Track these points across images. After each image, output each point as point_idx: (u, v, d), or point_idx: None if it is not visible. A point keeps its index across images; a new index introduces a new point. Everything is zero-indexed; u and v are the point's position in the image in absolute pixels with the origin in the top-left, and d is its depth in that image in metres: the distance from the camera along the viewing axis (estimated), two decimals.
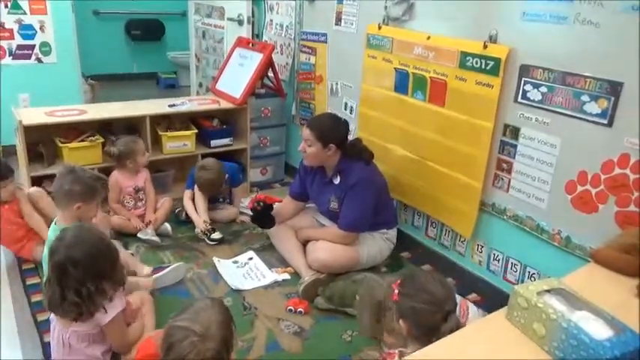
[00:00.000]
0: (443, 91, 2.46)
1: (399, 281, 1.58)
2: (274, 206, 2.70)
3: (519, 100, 2.16)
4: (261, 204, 2.63)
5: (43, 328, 2.10)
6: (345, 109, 3.22)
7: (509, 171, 2.27)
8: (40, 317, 2.18)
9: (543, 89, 2.06)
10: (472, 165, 2.38)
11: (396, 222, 2.74)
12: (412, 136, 2.68)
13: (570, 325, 1.08)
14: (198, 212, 2.96)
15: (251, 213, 2.74)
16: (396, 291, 1.55)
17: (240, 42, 3.73)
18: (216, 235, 2.85)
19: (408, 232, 2.91)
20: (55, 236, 1.81)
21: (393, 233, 2.70)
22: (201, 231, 2.88)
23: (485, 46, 2.22)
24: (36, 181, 2.93)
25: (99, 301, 1.69)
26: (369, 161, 2.57)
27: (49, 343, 1.98)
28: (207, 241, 2.85)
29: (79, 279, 1.64)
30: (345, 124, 2.58)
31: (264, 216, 2.67)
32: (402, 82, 2.68)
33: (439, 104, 2.49)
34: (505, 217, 2.32)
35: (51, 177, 2.99)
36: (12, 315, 2.22)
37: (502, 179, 2.30)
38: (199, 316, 1.41)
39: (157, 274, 2.41)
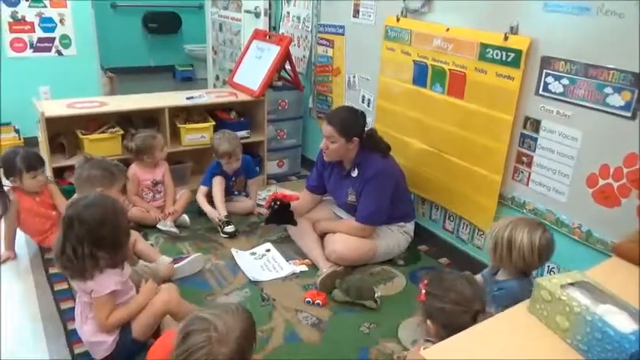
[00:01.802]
0: (462, 84, 2.44)
1: (425, 281, 1.58)
2: (291, 204, 2.68)
3: (540, 92, 2.14)
4: (278, 202, 2.62)
5: (66, 316, 2.15)
6: (363, 102, 3.22)
7: (529, 164, 2.25)
8: (64, 306, 2.22)
9: (565, 81, 2.04)
10: (491, 158, 2.37)
11: (413, 215, 2.74)
12: (430, 129, 2.67)
13: (595, 318, 1.07)
14: (215, 204, 2.98)
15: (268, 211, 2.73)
16: (423, 291, 1.55)
17: (258, 34, 3.74)
18: (229, 229, 2.85)
19: (425, 225, 2.90)
20: None
21: (410, 226, 2.70)
22: (215, 222, 2.90)
23: (505, 38, 2.20)
24: (57, 173, 2.98)
25: (89, 267, 1.73)
26: (386, 153, 2.57)
27: (72, 330, 2.03)
28: (220, 234, 2.87)
29: (80, 237, 1.71)
30: (363, 115, 2.58)
31: (280, 215, 2.67)
32: (421, 75, 2.67)
33: (458, 97, 2.48)
34: (524, 210, 2.30)
35: (72, 168, 3.05)
36: (36, 303, 2.26)
37: (522, 172, 2.29)
38: (226, 316, 1.40)
39: (176, 265, 2.44)
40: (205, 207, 2.99)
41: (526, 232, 1.74)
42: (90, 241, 1.71)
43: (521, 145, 2.26)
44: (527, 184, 2.27)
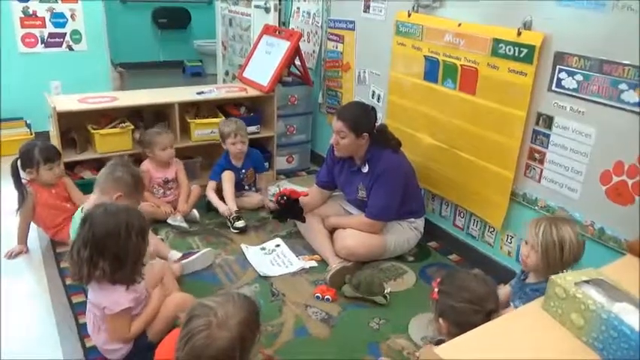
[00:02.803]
0: (474, 79, 2.42)
1: (438, 279, 1.57)
2: (300, 199, 2.67)
3: (554, 88, 2.12)
4: (285, 198, 2.62)
5: (77, 309, 2.16)
6: (373, 98, 3.21)
7: (541, 161, 2.23)
8: (75, 299, 2.24)
9: (579, 77, 2.02)
10: (503, 154, 2.35)
11: (424, 211, 2.73)
12: (441, 124, 2.65)
13: (611, 316, 1.06)
14: (225, 199, 2.98)
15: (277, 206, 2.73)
16: (436, 289, 1.54)
17: (267, 30, 3.73)
18: (240, 224, 2.85)
19: (435, 221, 2.89)
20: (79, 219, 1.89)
21: (420, 222, 2.69)
22: (226, 217, 2.90)
23: (519, 33, 2.18)
24: (68, 167, 2.99)
25: (85, 272, 1.70)
26: (397, 149, 2.57)
27: (83, 324, 2.04)
28: (231, 229, 2.87)
29: (85, 240, 1.70)
30: (374, 110, 2.57)
31: (289, 210, 2.67)
32: (432, 70, 2.65)
33: (470, 92, 2.46)
34: (536, 207, 2.28)
35: (83, 163, 3.08)
36: (48, 297, 2.28)
37: (534, 169, 2.27)
38: (228, 304, 1.41)
39: (186, 260, 2.45)
40: (216, 202, 3.00)
41: (569, 228, 1.70)
42: (93, 247, 1.70)
43: (534, 141, 2.24)
44: (539, 181, 2.26)
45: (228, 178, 3.03)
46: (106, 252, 1.70)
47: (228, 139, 3.03)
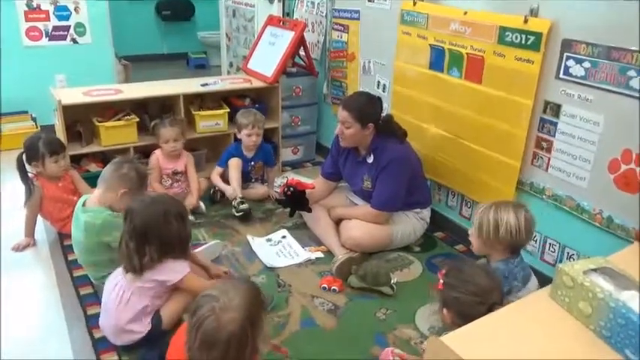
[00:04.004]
0: (480, 68, 2.40)
1: (443, 271, 1.58)
2: (306, 191, 2.67)
3: (561, 76, 2.09)
4: (292, 189, 2.62)
5: (85, 301, 2.18)
6: (378, 88, 3.19)
7: (548, 149, 2.21)
8: (83, 291, 2.25)
9: (586, 64, 1.99)
10: (510, 143, 2.33)
11: (430, 201, 2.72)
12: (447, 114, 2.64)
13: (618, 304, 1.06)
14: (231, 185, 2.98)
15: (282, 197, 2.74)
16: (441, 280, 1.55)
17: (271, 20, 3.71)
18: (244, 207, 2.85)
19: (442, 211, 2.88)
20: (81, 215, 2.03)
21: (427, 213, 2.68)
22: (232, 204, 2.90)
23: (525, 21, 2.15)
24: (75, 160, 3.00)
25: (136, 261, 1.80)
26: (402, 139, 2.55)
27: (91, 316, 2.06)
28: (235, 213, 2.86)
29: (129, 233, 1.82)
30: (379, 100, 2.55)
31: (295, 201, 2.67)
32: (438, 59, 2.63)
33: (476, 81, 2.44)
34: (544, 196, 2.27)
35: (88, 156, 3.09)
36: (56, 289, 2.29)
37: (541, 158, 2.25)
38: (228, 288, 1.46)
39: (194, 250, 2.45)
40: (222, 186, 3.02)
41: (511, 211, 1.84)
42: (137, 237, 1.81)
43: (541, 130, 2.22)
44: (547, 170, 2.24)
45: (234, 164, 3.02)
46: (150, 239, 1.81)
47: (244, 130, 3.03)
